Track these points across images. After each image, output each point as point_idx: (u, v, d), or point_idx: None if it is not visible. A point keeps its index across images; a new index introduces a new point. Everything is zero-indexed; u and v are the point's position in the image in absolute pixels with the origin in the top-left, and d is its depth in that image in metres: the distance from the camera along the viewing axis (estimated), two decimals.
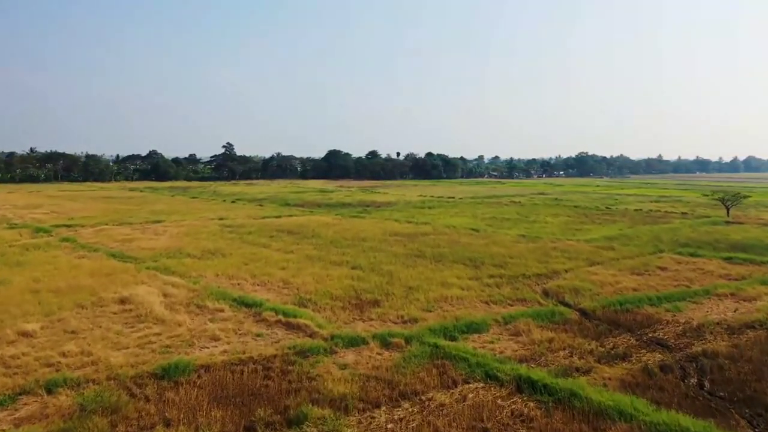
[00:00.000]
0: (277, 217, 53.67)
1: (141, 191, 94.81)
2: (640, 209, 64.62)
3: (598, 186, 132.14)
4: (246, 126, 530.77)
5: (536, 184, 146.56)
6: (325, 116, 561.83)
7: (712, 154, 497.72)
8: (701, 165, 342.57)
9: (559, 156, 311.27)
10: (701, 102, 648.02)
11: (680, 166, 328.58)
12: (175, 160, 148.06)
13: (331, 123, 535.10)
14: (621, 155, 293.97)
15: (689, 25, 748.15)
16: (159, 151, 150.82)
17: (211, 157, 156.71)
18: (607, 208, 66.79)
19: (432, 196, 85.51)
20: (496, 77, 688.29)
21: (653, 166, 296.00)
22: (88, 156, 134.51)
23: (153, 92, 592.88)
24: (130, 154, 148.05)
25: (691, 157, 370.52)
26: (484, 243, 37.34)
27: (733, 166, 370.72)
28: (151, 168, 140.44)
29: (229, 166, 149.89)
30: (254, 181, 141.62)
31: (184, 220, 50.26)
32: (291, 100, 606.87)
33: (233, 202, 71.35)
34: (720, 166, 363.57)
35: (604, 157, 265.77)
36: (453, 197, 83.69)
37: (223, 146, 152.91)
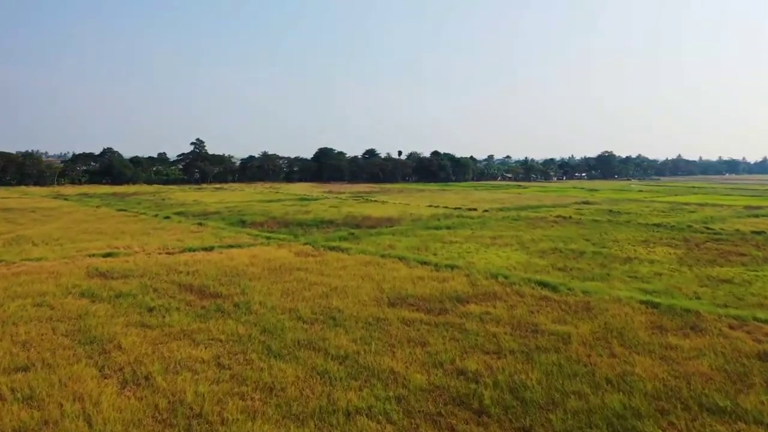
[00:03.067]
0: (207, 249, 34.03)
1: (65, 199, 75.17)
2: (762, 231, 44.93)
3: (641, 191, 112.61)
4: (237, 124, 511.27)
5: (564, 188, 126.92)
6: (320, 114, 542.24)
7: (734, 154, 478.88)
8: (730, 166, 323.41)
9: (572, 156, 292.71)
10: (719, 101, 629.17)
11: (708, 167, 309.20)
12: (135, 160, 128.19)
13: (326, 121, 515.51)
14: (639, 155, 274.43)
15: (706, 25, 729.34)
16: (118, 149, 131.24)
17: (178, 156, 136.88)
18: (707, 228, 47.12)
19: (446, 207, 65.82)
20: (499, 75, 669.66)
21: (680, 167, 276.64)
22: (25, 155, 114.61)
23: (135, 86, 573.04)
24: (82, 152, 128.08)
25: (713, 158, 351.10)
26: (595, 336, 17.69)
27: (763, 166, 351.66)
28: (104, 169, 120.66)
29: (199, 167, 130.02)
30: (226, 185, 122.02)
31: (44, 258, 30.58)
32: (284, 97, 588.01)
33: (167, 218, 51.67)
34: (749, 167, 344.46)
35: (628, 157, 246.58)
36: (475, 208, 64.03)
37: (192, 143, 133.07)
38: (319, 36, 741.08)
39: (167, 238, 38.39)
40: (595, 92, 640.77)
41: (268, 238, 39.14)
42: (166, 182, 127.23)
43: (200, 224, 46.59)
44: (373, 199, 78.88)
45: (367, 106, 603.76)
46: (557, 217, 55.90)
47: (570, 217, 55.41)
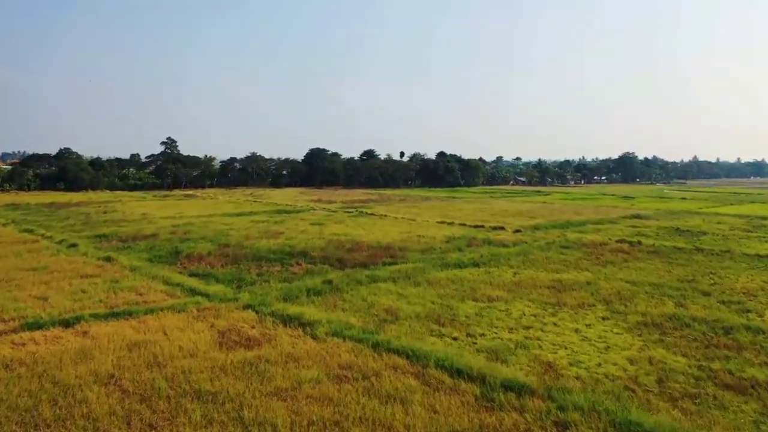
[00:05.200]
0: (65, 323, 19.69)
1: None
2: None
3: (684, 199, 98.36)
4: (222, 123, 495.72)
5: (591, 194, 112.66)
6: (314, 111, 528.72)
7: (748, 155, 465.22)
8: (755, 168, 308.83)
9: (583, 157, 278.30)
10: (729, 102, 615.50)
11: (731, 170, 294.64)
12: (96, 162, 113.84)
13: (321, 120, 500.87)
14: (655, 156, 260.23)
15: (708, 21, 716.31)
16: (92, 150, 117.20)
17: (147, 157, 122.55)
18: None
19: (464, 224, 51.50)
20: (502, 73, 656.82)
21: (704, 170, 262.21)
22: None
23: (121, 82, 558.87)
24: (35, 152, 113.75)
25: (730, 159, 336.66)
26: None
27: None
28: (59, 172, 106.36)
29: (170, 170, 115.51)
30: (200, 191, 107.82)
31: None
32: (275, 93, 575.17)
33: (73, 246, 37.34)
34: None
35: (646, 159, 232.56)
36: (502, 227, 49.71)
37: (163, 142, 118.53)
38: (314, 29, 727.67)
39: (30, 292, 24.03)
40: (602, 92, 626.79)
41: (193, 291, 24.76)
42: (133, 188, 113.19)
43: (109, 259, 32.19)
44: (369, 211, 64.55)
45: (364, 104, 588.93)
46: (620, 242, 41.52)
47: (639, 243, 41.03)
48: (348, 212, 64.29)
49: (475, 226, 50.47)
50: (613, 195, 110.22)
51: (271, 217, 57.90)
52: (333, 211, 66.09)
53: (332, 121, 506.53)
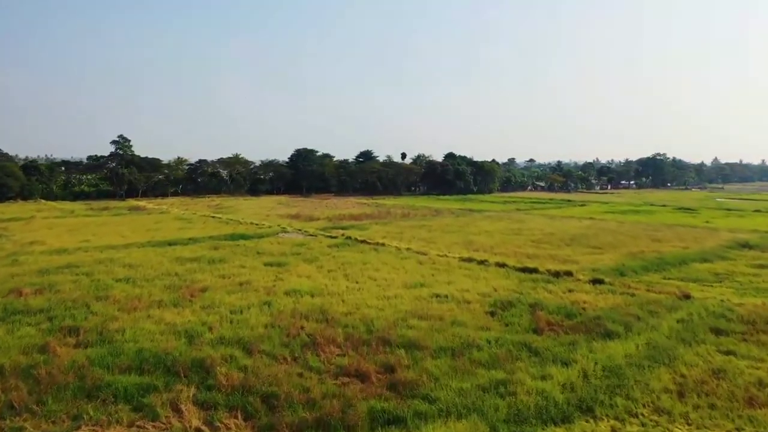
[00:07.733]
0: None
1: None
2: None
3: (759, 212, 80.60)
4: (203, 123, 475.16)
5: (635, 205, 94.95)
6: (308, 110, 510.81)
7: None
8: None
9: (597, 159, 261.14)
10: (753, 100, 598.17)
11: (763, 173, 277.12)
12: (29, 166, 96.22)
13: (312, 119, 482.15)
14: (674, 158, 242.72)
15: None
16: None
17: (93, 159, 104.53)
18: None
19: (504, 267, 33.77)
20: (501, 71, 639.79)
21: (737, 172, 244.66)
22: None
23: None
24: None
25: (754, 161, 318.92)
26: None
27: None
28: None
29: (122, 175, 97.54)
30: (154, 201, 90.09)
31: None
32: (264, 90, 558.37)
33: None
34: None
35: (674, 160, 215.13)
36: (570, 272, 31.92)
37: (113, 141, 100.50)
38: (304, 22, 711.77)
39: None
40: (608, 92, 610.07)
41: None
42: (77, 197, 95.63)
43: None
44: (359, 236, 46.80)
45: (362, 102, 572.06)
46: None
47: None
48: (331, 237, 46.68)
49: (524, 270, 32.71)
50: (664, 205, 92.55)
51: (213, 248, 40.17)
52: (310, 235, 48.55)
53: (325, 120, 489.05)
